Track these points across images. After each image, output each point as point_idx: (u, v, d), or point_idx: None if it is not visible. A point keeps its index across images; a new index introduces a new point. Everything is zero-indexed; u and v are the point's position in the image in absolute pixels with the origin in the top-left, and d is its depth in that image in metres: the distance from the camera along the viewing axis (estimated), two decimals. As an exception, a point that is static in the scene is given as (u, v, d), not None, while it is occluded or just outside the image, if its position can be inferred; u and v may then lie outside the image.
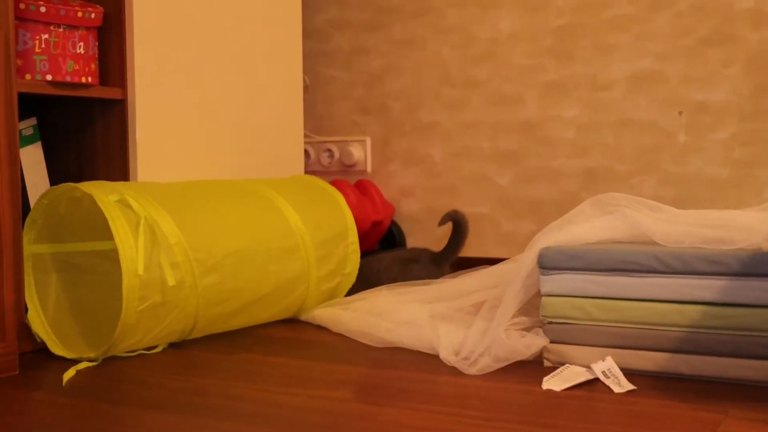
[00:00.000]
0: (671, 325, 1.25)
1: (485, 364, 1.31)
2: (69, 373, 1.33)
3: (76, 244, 1.56)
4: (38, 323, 1.49)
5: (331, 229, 1.77)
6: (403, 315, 1.54)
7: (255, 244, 1.60)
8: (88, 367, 1.39)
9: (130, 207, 1.44)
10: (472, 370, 1.30)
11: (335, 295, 1.80)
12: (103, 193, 1.44)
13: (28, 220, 1.53)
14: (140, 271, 1.38)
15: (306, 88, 2.56)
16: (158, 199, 1.52)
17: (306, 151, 2.56)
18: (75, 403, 1.18)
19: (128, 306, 1.38)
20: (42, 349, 1.51)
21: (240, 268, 1.56)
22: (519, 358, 1.33)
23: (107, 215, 1.40)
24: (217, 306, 1.53)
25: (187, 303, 1.47)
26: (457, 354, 1.35)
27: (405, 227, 2.45)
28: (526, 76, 2.27)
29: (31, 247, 1.53)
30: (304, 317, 1.75)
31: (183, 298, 1.46)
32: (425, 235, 2.43)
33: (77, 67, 1.64)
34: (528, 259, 1.37)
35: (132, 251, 1.39)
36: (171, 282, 1.43)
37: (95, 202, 1.44)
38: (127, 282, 1.38)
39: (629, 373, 1.26)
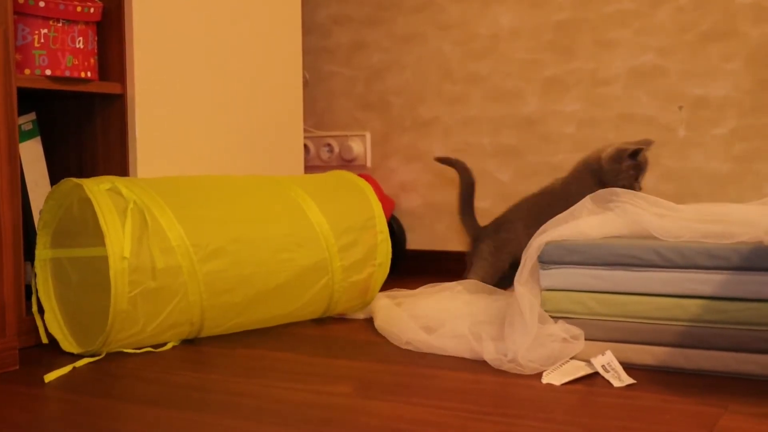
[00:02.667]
0: (671, 320, 1.25)
1: (533, 366, 1.27)
2: (57, 372, 1.32)
3: (92, 249, 1.55)
4: (55, 327, 1.50)
5: (354, 218, 1.70)
6: (449, 329, 1.48)
7: (262, 231, 1.57)
8: (90, 363, 1.39)
9: (120, 194, 1.44)
10: (524, 371, 1.27)
11: (369, 288, 1.74)
12: (94, 183, 1.45)
13: (39, 223, 1.52)
14: (126, 254, 1.38)
15: (306, 83, 2.55)
16: (156, 189, 1.51)
17: (306, 146, 2.56)
18: (74, 398, 1.18)
19: (117, 291, 1.38)
20: (42, 344, 1.51)
21: (245, 255, 1.53)
22: (561, 359, 1.28)
23: (94, 201, 1.40)
24: (224, 295, 1.51)
25: (188, 290, 1.47)
26: (504, 355, 1.31)
27: (405, 223, 2.45)
28: (527, 72, 2.27)
29: (47, 252, 1.53)
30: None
31: (182, 283, 1.45)
32: (425, 230, 2.43)
33: (76, 62, 1.63)
34: (531, 252, 1.37)
35: (119, 234, 1.39)
36: (159, 265, 1.42)
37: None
38: (114, 266, 1.37)
39: (629, 368, 1.26)
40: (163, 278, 1.43)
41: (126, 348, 1.45)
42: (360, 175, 2.39)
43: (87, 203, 1.47)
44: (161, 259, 1.42)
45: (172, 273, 1.44)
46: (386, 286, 2.00)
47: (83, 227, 1.50)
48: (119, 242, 1.38)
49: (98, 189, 1.43)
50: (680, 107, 2.09)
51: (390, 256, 1.75)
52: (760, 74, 2.01)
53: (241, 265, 1.52)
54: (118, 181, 1.47)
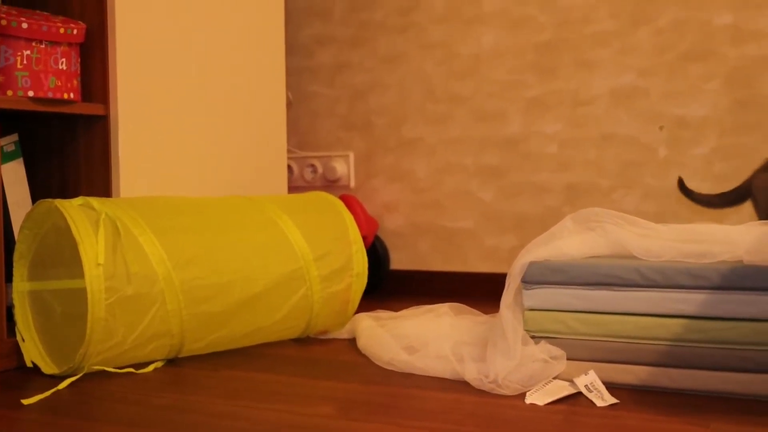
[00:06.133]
0: (653, 339, 1.25)
1: (514, 386, 1.27)
2: (37, 396, 1.31)
3: (74, 281, 1.55)
4: (35, 354, 1.49)
5: (327, 229, 1.73)
6: (432, 349, 1.48)
7: (235, 240, 1.59)
8: (71, 386, 1.38)
9: (93, 208, 1.45)
10: (505, 392, 1.27)
11: (349, 299, 1.75)
12: (66, 201, 1.46)
13: (16, 255, 1.52)
14: (100, 260, 1.38)
15: (289, 103, 2.56)
16: (128, 203, 1.52)
17: (289, 167, 2.56)
18: (55, 420, 1.18)
19: (94, 297, 1.37)
20: (24, 367, 1.50)
21: (221, 263, 1.54)
22: (542, 380, 1.28)
23: (66, 214, 1.41)
24: (204, 303, 1.51)
25: (166, 298, 1.46)
26: (486, 376, 1.31)
27: (389, 243, 2.46)
28: (509, 92, 2.29)
29: (24, 284, 1.53)
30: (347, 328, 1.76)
31: (159, 291, 1.45)
32: (409, 250, 2.43)
33: (59, 84, 1.63)
34: (515, 274, 1.38)
35: (92, 241, 1.39)
36: (134, 271, 1.42)
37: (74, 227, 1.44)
38: (89, 272, 1.37)
39: (612, 387, 1.26)
40: (139, 285, 1.43)
41: (107, 365, 1.44)
42: (343, 196, 2.40)
43: (62, 232, 1.48)
44: (136, 266, 1.43)
45: (148, 280, 1.44)
46: (370, 306, 2.00)
47: (60, 258, 1.50)
48: (93, 249, 1.38)
49: (70, 204, 1.45)
50: (661, 127, 2.11)
51: (366, 266, 1.77)
52: (738, 94, 2.03)
53: (217, 274, 1.53)
54: (89, 199, 1.49)
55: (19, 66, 1.59)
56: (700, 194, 1.88)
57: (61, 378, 1.42)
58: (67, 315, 1.50)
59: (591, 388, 1.23)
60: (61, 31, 1.63)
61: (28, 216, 1.51)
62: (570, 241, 1.40)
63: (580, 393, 1.24)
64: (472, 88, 2.33)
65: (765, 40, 2.01)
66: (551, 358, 1.30)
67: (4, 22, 1.56)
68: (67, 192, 1.78)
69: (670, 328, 1.24)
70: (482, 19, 2.31)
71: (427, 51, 2.39)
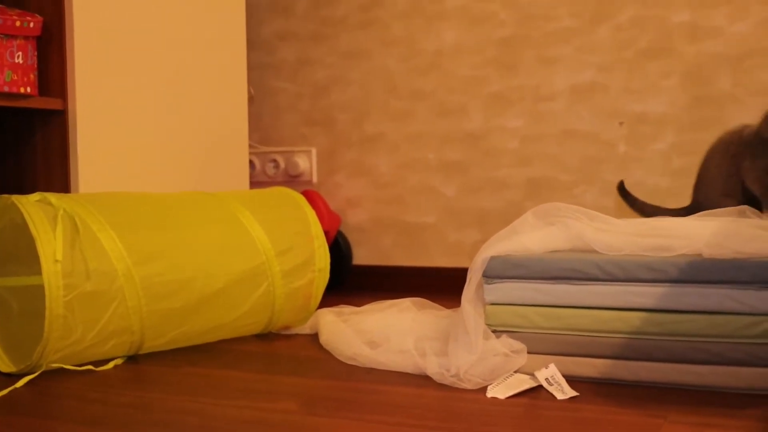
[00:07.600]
0: (612, 332, 1.27)
1: (475, 380, 1.28)
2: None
3: (31, 278, 1.53)
4: None
5: (289, 224, 1.73)
6: (394, 344, 1.48)
7: (197, 236, 1.57)
8: (29, 384, 1.36)
9: (50, 204, 1.43)
10: (466, 386, 1.28)
11: (312, 294, 1.75)
12: (23, 197, 1.44)
13: None
14: (58, 257, 1.36)
15: (251, 99, 2.55)
16: (87, 199, 1.50)
17: (251, 162, 2.55)
18: (13, 420, 1.16)
19: (52, 294, 1.36)
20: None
21: (182, 259, 1.53)
22: (503, 374, 1.29)
23: (23, 210, 1.39)
24: (165, 300, 1.50)
25: (126, 295, 1.45)
26: (447, 370, 1.32)
27: (351, 238, 2.45)
28: (471, 88, 2.30)
29: None
30: (310, 322, 1.75)
31: (119, 288, 1.43)
32: (372, 245, 2.43)
33: (15, 77, 1.61)
34: (476, 268, 1.38)
35: (50, 237, 1.37)
36: (93, 268, 1.40)
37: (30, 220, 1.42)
38: (47, 268, 1.35)
39: (572, 380, 1.28)
40: (98, 282, 1.41)
41: (66, 363, 1.43)
42: (306, 191, 2.40)
43: (19, 228, 1.46)
44: (95, 262, 1.41)
45: (107, 277, 1.42)
46: (332, 301, 2.00)
47: (17, 254, 1.48)
48: (51, 245, 1.36)
49: (27, 200, 1.43)
50: (621, 123, 2.14)
51: (329, 261, 1.77)
52: (695, 91, 2.06)
53: (178, 270, 1.52)
54: (47, 195, 1.47)
55: (-26, 59, 1.56)
56: (642, 202, 1.84)
57: (18, 376, 1.40)
58: (24, 312, 1.48)
59: (551, 382, 1.24)
60: (17, 24, 1.61)
61: None
62: (531, 236, 1.41)
63: (541, 386, 1.25)
64: (433, 84, 2.34)
65: (722, 37, 2.04)
66: (512, 351, 1.31)
67: (-42, 15, 1.53)
68: (25, 188, 1.75)
69: (629, 321, 1.26)
70: (444, 15, 2.32)
71: (389, 47, 2.39)
